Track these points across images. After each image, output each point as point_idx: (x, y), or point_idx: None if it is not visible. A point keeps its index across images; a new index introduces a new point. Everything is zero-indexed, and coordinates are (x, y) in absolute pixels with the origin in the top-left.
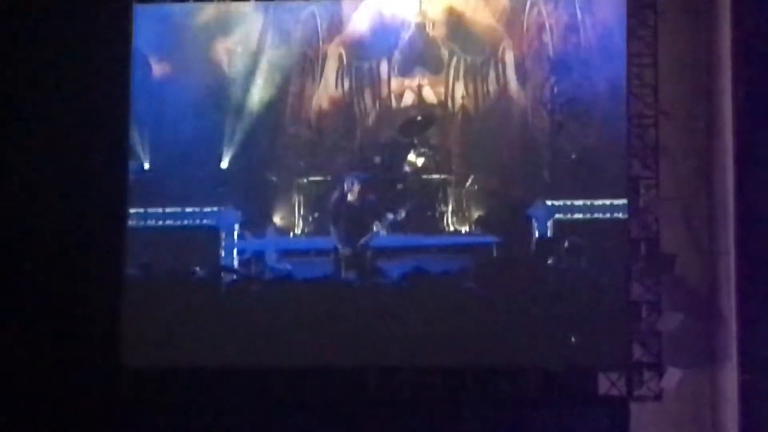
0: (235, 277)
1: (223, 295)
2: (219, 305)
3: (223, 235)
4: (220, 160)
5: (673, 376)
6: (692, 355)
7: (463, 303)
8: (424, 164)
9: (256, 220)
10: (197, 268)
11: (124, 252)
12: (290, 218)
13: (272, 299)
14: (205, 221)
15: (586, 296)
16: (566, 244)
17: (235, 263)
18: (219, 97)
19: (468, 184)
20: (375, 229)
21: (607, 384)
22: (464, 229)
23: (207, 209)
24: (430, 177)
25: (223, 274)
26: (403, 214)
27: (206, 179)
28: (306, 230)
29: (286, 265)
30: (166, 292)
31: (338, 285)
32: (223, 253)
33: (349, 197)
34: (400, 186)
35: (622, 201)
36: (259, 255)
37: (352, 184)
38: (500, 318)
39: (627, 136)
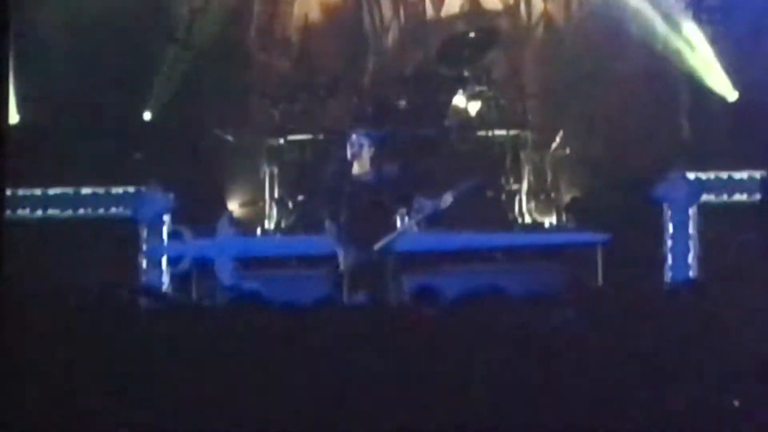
0: (162, 303)
1: (142, 334)
2: (135, 351)
3: (144, 233)
4: (141, 111)
5: None
6: None
7: (553, 347)
8: (480, 112)
9: (200, 208)
10: (98, 289)
11: None
12: (257, 204)
13: (226, 341)
14: (113, 210)
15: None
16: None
17: (164, 279)
18: (140, 11)
19: (555, 145)
20: (400, 223)
21: None
22: (549, 220)
23: (117, 190)
24: (490, 134)
25: (142, 299)
26: (447, 198)
27: (117, 141)
28: (283, 224)
29: (251, 283)
30: (43, 326)
31: (337, 316)
32: (143, 263)
33: (356, 169)
34: (441, 149)
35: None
36: (204, 265)
37: (361, 147)
38: (615, 372)
39: None
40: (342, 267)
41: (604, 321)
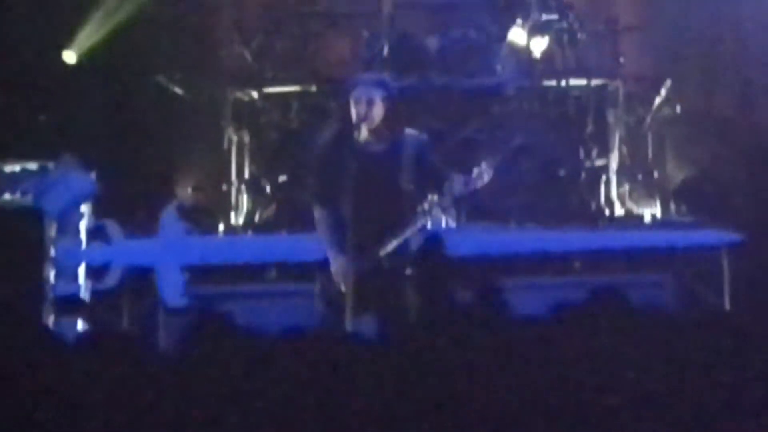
0: (78, 333)
1: (48, 376)
2: (38, 399)
3: (51, 230)
4: (56, 49)
5: None
6: None
7: (667, 380)
8: (548, 53)
9: (134, 194)
10: None
11: None
12: (218, 188)
13: (171, 388)
14: (6, 197)
15: None
16: None
17: (82, 296)
18: None
19: (659, 101)
20: (426, 212)
21: None
22: (651, 212)
23: (11, 167)
24: (564, 84)
25: (48, 328)
26: (483, 171)
27: (19, 94)
28: (258, 218)
29: (209, 303)
30: None
31: (335, 350)
32: (51, 274)
33: (364, 135)
34: (490, 106)
35: None
36: (141, 277)
37: (371, 103)
38: (747, 416)
39: None
40: (341, 280)
41: (730, 357)
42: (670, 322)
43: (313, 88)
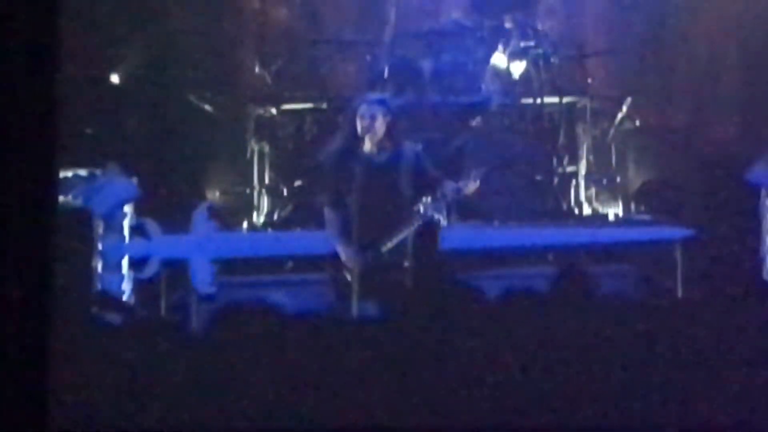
0: (122, 316)
1: (95, 355)
2: (87, 375)
3: (99, 228)
4: (101, 71)
5: None
6: None
7: (623, 364)
8: (526, 74)
9: (170, 197)
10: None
11: None
12: (243, 192)
13: (204, 368)
14: (60, 199)
15: None
16: None
17: (125, 287)
18: None
19: (621, 116)
20: (423, 211)
21: None
22: (614, 212)
23: (65, 173)
24: (539, 102)
25: (95, 310)
26: (471, 180)
27: (68, 110)
28: (276, 217)
29: (234, 292)
30: None
31: (343, 330)
32: (98, 266)
33: (368, 146)
34: (475, 121)
35: None
36: (177, 269)
37: (374, 118)
38: (701, 394)
39: None
40: (347, 272)
41: (684, 339)
42: (630, 307)
43: (324, 106)
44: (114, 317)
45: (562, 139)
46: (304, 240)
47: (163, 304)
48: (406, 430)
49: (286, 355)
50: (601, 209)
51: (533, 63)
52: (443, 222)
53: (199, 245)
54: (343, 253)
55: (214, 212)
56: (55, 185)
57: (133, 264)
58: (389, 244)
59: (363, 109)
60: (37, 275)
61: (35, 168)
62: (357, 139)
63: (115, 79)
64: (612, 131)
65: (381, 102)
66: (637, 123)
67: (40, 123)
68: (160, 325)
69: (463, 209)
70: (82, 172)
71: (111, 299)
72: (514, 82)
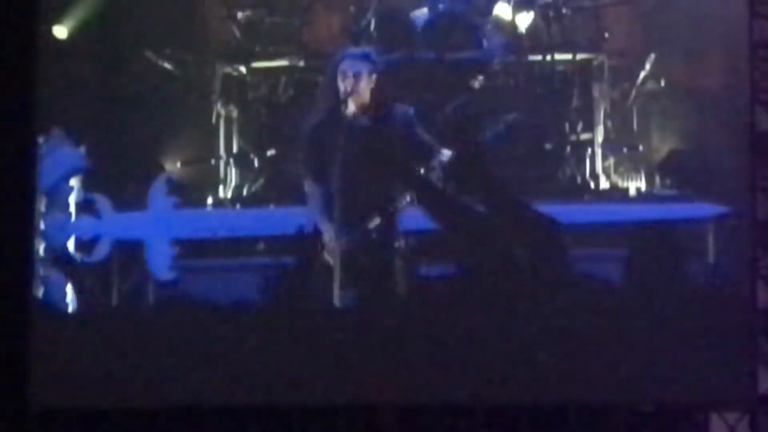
0: (68, 306)
1: (38, 346)
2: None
3: (41, 204)
4: (48, 22)
5: None
6: None
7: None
8: (534, 27)
9: (124, 168)
10: None
11: None
12: (207, 162)
13: (161, 362)
14: None
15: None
16: None
17: (72, 272)
18: None
19: (644, 75)
20: (415, 183)
21: (723, 429)
22: (636, 185)
23: None
24: (549, 59)
25: (39, 300)
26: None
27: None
28: (246, 191)
29: (197, 279)
30: None
31: (325, 322)
32: (41, 248)
33: (352, 109)
34: (476, 81)
35: None
36: (131, 251)
37: (359, 77)
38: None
39: None
40: (329, 253)
41: (716, 330)
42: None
43: (301, 63)
44: (56, 306)
45: (575, 102)
46: (278, 218)
47: (114, 291)
48: (397, 406)
49: (254, 347)
50: (620, 183)
51: (542, 14)
52: (438, 196)
53: (157, 224)
54: (325, 232)
55: (173, 186)
56: None
57: (80, 246)
58: (377, 222)
59: (346, 66)
60: None
61: None
62: (339, 102)
63: (59, 32)
64: (633, 92)
65: (366, 58)
66: (662, 83)
67: None
68: (111, 313)
69: (461, 182)
70: (21, 140)
71: (55, 285)
72: (520, 36)
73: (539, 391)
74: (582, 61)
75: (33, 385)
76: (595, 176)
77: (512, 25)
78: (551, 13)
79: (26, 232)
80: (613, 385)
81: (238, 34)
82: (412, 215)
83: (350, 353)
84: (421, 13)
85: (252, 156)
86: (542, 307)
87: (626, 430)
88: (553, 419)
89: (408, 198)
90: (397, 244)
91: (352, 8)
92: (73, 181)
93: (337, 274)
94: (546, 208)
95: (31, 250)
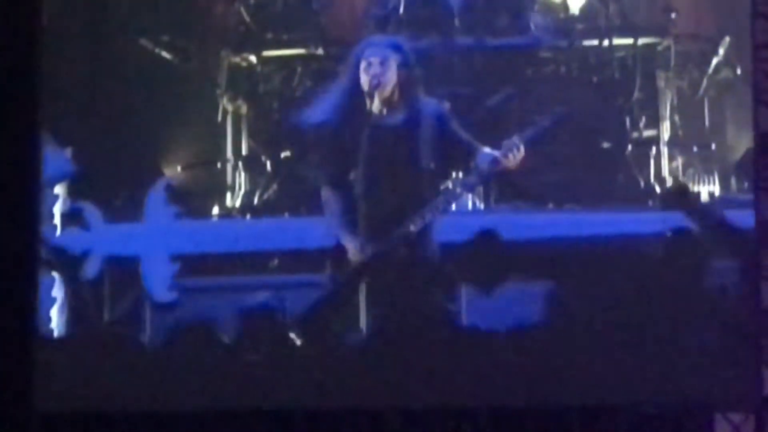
0: (54, 330)
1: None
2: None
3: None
4: (27, 8)
5: None
6: None
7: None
8: (589, 8)
9: (116, 174)
10: None
11: None
12: (212, 166)
13: (162, 396)
14: None
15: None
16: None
17: (58, 290)
18: None
19: (718, 59)
20: (450, 190)
21: (728, 430)
22: (709, 190)
23: None
24: (606, 44)
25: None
26: (513, 146)
27: None
28: (257, 200)
29: (200, 300)
30: None
31: (352, 352)
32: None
33: (377, 105)
34: (522, 70)
35: None
36: (125, 268)
37: (385, 67)
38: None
39: None
40: (353, 267)
41: (720, 331)
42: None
43: (320, 51)
44: (42, 329)
45: (637, 94)
46: (294, 230)
47: (106, 313)
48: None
49: (266, 382)
50: (690, 187)
51: None
52: (478, 204)
53: (155, 237)
54: (347, 245)
55: (173, 193)
56: None
57: (67, 262)
58: (407, 233)
59: (370, 55)
60: None
61: None
62: (362, 96)
63: (46, 21)
64: (704, 82)
65: (394, 46)
66: (738, 71)
67: None
68: (102, 335)
69: (505, 187)
70: (3, 142)
71: (41, 305)
72: (572, 19)
73: (543, 393)
74: (645, 46)
75: (37, 390)
76: (660, 179)
77: (563, 5)
78: None
79: (29, 236)
80: (616, 385)
81: (246, 17)
82: (446, 225)
83: (355, 357)
84: None
85: (263, 158)
86: (545, 308)
87: (630, 431)
88: (557, 421)
89: (441, 207)
90: (431, 254)
91: None
92: (58, 189)
93: (362, 294)
94: (603, 216)
95: (33, 255)
